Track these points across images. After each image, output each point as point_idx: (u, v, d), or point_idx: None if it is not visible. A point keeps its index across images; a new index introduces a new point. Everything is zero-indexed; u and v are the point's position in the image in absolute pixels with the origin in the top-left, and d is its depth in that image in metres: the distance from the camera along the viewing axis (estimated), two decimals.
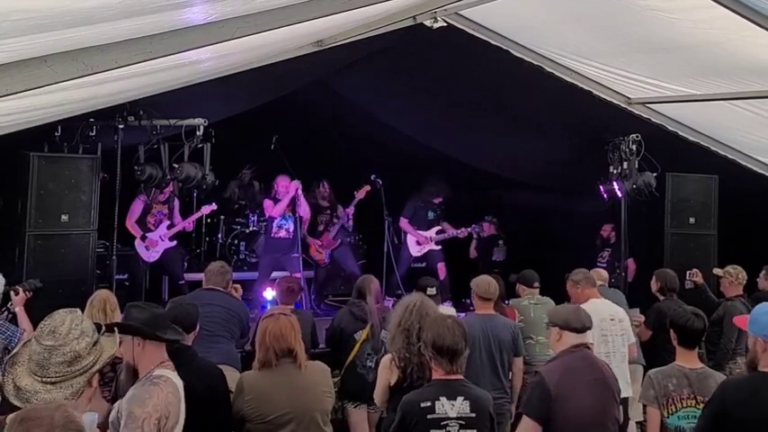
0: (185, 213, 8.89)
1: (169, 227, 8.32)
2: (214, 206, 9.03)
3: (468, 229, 9.48)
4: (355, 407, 5.34)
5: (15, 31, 2.62)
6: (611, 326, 5.39)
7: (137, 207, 8.17)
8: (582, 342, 3.96)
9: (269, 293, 8.83)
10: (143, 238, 8.16)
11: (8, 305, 5.23)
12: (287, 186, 8.45)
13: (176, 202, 8.51)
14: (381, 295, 6.00)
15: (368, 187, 8.90)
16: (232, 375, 4.05)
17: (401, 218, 9.18)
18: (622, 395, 5.19)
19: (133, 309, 3.46)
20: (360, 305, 5.46)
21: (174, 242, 8.43)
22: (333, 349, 5.59)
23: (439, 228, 9.30)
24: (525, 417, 3.76)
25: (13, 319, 5.04)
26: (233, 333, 5.33)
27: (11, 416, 2.02)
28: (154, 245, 8.21)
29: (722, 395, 3.36)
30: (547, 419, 3.71)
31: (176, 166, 7.23)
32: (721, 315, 6.00)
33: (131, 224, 8.17)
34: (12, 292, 5.24)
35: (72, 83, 3.39)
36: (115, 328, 2.94)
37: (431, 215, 9.32)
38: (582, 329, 3.97)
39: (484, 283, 5.32)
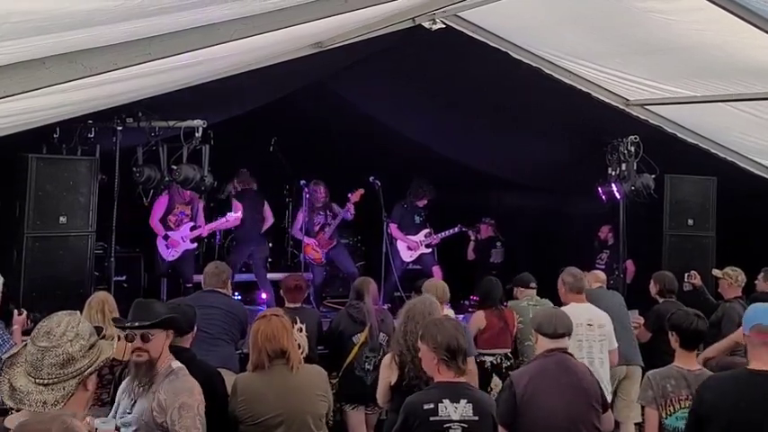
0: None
1: (192, 228, 8.20)
2: (239, 215, 8.98)
3: (455, 230, 9.43)
4: (353, 409, 5.34)
5: (14, 33, 2.62)
6: (587, 331, 5.31)
7: (160, 205, 8.06)
8: (557, 347, 3.99)
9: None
10: (165, 237, 8.08)
11: (10, 324, 5.20)
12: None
13: (200, 204, 8.42)
14: (379, 298, 6.00)
15: (362, 191, 8.84)
16: (230, 379, 4.05)
17: (389, 223, 9.07)
18: None
19: (156, 304, 3.63)
20: (358, 307, 5.46)
21: (195, 244, 8.36)
22: (331, 351, 5.59)
23: (427, 231, 9.26)
24: None
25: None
26: (232, 335, 5.32)
27: (13, 427, 2.02)
28: (175, 245, 8.12)
29: (705, 392, 3.37)
30: (513, 422, 3.74)
31: (175, 167, 7.23)
32: (720, 317, 6.00)
33: (155, 222, 8.07)
34: (16, 311, 5.23)
35: (70, 84, 3.39)
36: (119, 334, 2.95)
37: (417, 219, 9.26)
38: (553, 335, 3.99)
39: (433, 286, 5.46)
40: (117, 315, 4.92)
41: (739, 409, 3.22)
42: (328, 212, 9.07)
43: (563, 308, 5.37)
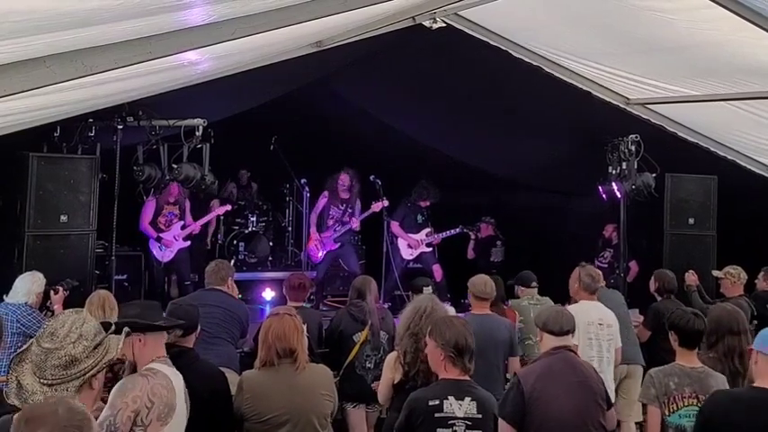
0: (198, 211, 8.91)
1: (183, 227, 8.32)
2: (228, 207, 9.02)
3: (456, 230, 9.43)
4: (354, 407, 5.33)
5: (14, 32, 2.62)
6: (598, 330, 5.32)
7: (148, 209, 8.16)
8: (563, 344, 3.98)
9: (268, 293, 8.85)
10: (158, 239, 8.16)
11: (47, 304, 5.51)
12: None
13: (187, 203, 8.52)
14: (380, 297, 5.99)
15: (386, 203, 8.77)
16: (231, 378, 4.05)
17: (392, 222, 9.10)
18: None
19: (124, 307, 3.50)
20: (359, 306, 5.45)
21: (188, 242, 8.44)
22: (331, 350, 5.59)
23: (428, 230, 9.25)
24: (500, 419, 3.75)
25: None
26: (232, 334, 5.31)
27: (16, 415, 2.04)
28: (169, 245, 8.21)
29: (715, 407, 3.37)
30: (521, 421, 3.72)
31: (175, 166, 7.24)
32: None
33: (145, 227, 8.19)
34: (51, 291, 5.56)
35: (71, 83, 3.39)
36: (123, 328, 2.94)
37: (419, 219, 9.26)
38: (560, 332, 3.98)
39: (480, 282, 5.26)
40: (117, 313, 4.95)
41: (750, 428, 3.21)
42: (348, 208, 8.87)
43: (575, 305, 5.39)
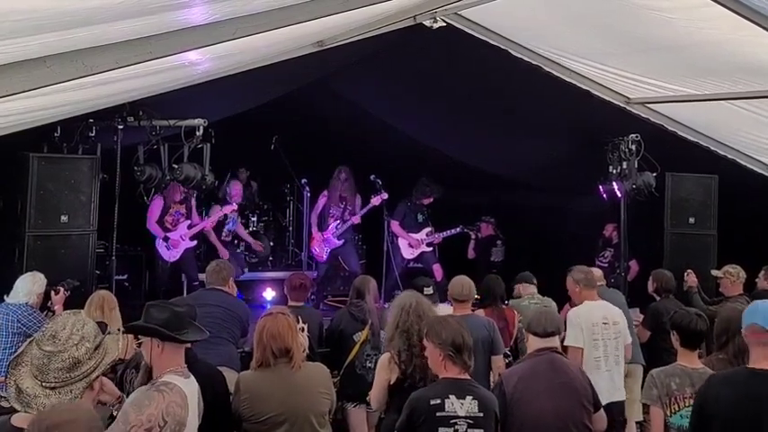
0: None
1: (190, 226, 8.30)
2: (234, 206, 9.03)
3: (456, 230, 9.44)
4: (354, 407, 5.34)
5: (15, 31, 2.62)
6: (603, 330, 5.27)
7: (155, 208, 8.14)
8: (547, 346, 4.01)
9: (269, 293, 8.84)
10: (165, 239, 8.15)
11: (48, 304, 5.54)
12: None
13: (194, 202, 8.51)
14: (380, 296, 5.99)
15: (385, 195, 8.81)
16: (232, 377, 4.05)
17: (392, 221, 9.12)
18: (617, 399, 5.18)
19: (152, 308, 3.36)
20: (359, 305, 5.46)
21: (195, 242, 8.43)
22: (332, 350, 5.59)
23: (429, 229, 9.26)
24: None
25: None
26: (233, 334, 5.32)
27: (31, 419, 2.04)
28: (176, 245, 8.20)
29: (708, 390, 3.38)
30: (503, 421, 3.75)
31: (176, 166, 7.24)
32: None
33: (152, 226, 8.16)
34: (52, 292, 5.59)
35: (72, 83, 3.39)
36: (120, 329, 2.93)
37: (420, 218, 9.27)
38: (543, 334, 4.01)
39: (458, 284, 5.27)
40: (117, 313, 4.97)
41: (740, 407, 3.22)
42: (347, 206, 8.93)
43: (578, 307, 5.36)
